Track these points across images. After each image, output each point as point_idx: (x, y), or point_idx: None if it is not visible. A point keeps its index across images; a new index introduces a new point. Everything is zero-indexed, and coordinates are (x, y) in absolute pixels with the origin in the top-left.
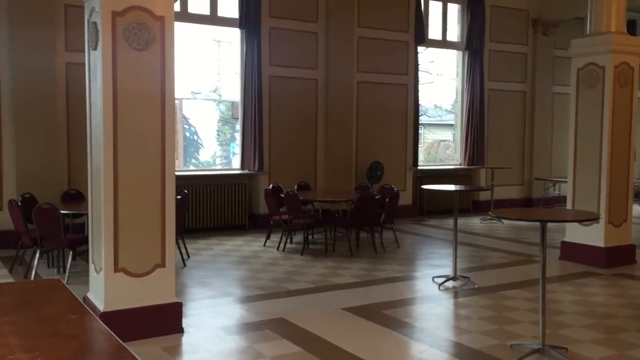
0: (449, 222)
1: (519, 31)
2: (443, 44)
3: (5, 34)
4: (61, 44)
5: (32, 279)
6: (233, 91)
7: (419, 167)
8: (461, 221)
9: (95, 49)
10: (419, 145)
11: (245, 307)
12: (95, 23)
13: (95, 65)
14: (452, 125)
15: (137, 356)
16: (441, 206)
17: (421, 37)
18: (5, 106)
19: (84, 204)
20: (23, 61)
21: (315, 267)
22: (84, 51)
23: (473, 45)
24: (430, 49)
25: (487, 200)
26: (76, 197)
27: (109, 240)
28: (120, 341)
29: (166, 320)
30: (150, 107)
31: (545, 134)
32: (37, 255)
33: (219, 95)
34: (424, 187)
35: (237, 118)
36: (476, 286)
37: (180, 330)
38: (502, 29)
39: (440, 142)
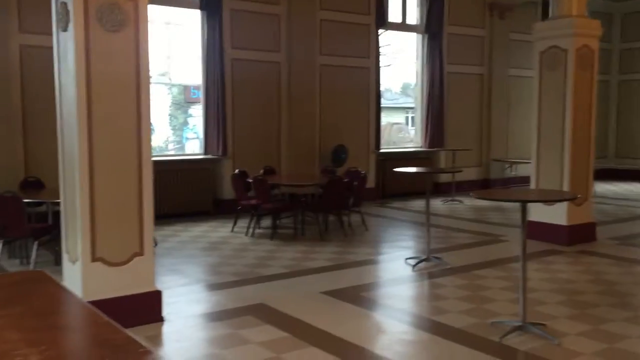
0: (412, 204)
1: (476, 15)
2: (403, 27)
3: None
4: (14, 25)
5: None
6: (185, 74)
7: (381, 150)
8: (423, 203)
9: (65, 30)
10: None
11: (223, 294)
12: (65, 3)
13: (66, 47)
14: (404, 108)
15: (149, 347)
16: (403, 189)
17: (382, 20)
18: None
19: (44, 191)
20: None
21: (287, 251)
22: (39, 33)
23: (432, 28)
24: (390, 32)
25: (447, 183)
26: (35, 184)
27: (85, 230)
28: (127, 332)
29: (146, 309)
30: (125, 90)
31: (502, 116)
32: (0, 245)
33: (169, 79)
34: (397, 170)
35: (190, 102)
36: (449, 266)
37: (160, 319)
38: (460, 13)
39: (393, 125)
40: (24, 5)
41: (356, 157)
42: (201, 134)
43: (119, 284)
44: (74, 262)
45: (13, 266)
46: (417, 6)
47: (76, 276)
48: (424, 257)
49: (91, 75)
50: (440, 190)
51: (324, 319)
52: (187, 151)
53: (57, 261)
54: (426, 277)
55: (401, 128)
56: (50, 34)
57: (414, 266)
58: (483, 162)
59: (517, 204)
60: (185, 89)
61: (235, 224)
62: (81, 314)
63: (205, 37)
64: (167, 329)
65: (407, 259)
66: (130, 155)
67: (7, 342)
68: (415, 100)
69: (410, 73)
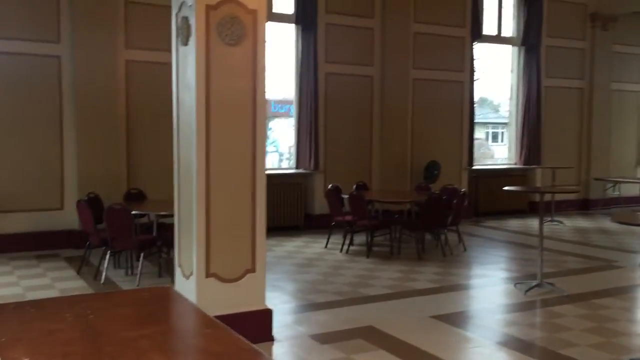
0: (508, 223)
1: (576, 26)
2: (498, 39)
3: (67, 32)
4: (121, 42)
5: (102, 281)
6: (268, 89)
7: (473, 167)
8: (519, 222)
9: (186, 44)
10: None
11: (328, 314)
12: (186, 17)
13: (186, 61)
14: (484, 123)
15: None
16: (498, 207)
17: (477, 33)
18: (67, 105)
19: (146, 203)
20: (84, 59)
21: (386, 270)
22: (144, 49)
23: (529, 40)
24: (484, 45)
25: (544, 202)
26: (138, 196)
27: (200, 245)
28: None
29: (257, 328)
30: (241, 105)
31: (603, 133)
32: (108, 256)
33: None
34: (506, 188)
35: (271, 116)
36: (565, 294)
37: (271, 339)
38: (559, 24)
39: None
40: (130, 22)
41: (448, 173)
42: (283, 148)
43: (231, 300)
44: (187, 276)
45: (118, 276)
46: (514, 18)
47: (190, 291)
48: (535, 282)
49: (210, 88)
50: (537, 209)
51: (439, 347)
52: (266, 165)
53: (161, 273)
54: (540, 304)
55: (482, 144)
56: (155, 50)
57: (526, 292)
58: (582, 181)
59: (625, 227)
60: (268, 103)
61: (328, 240)
62: (222, 336)
63: (300, 51)
64: (278, 349)
65: (516, 283)
66: (245, 172)
67: None
68: (509, 115)
69: (490, 87)
